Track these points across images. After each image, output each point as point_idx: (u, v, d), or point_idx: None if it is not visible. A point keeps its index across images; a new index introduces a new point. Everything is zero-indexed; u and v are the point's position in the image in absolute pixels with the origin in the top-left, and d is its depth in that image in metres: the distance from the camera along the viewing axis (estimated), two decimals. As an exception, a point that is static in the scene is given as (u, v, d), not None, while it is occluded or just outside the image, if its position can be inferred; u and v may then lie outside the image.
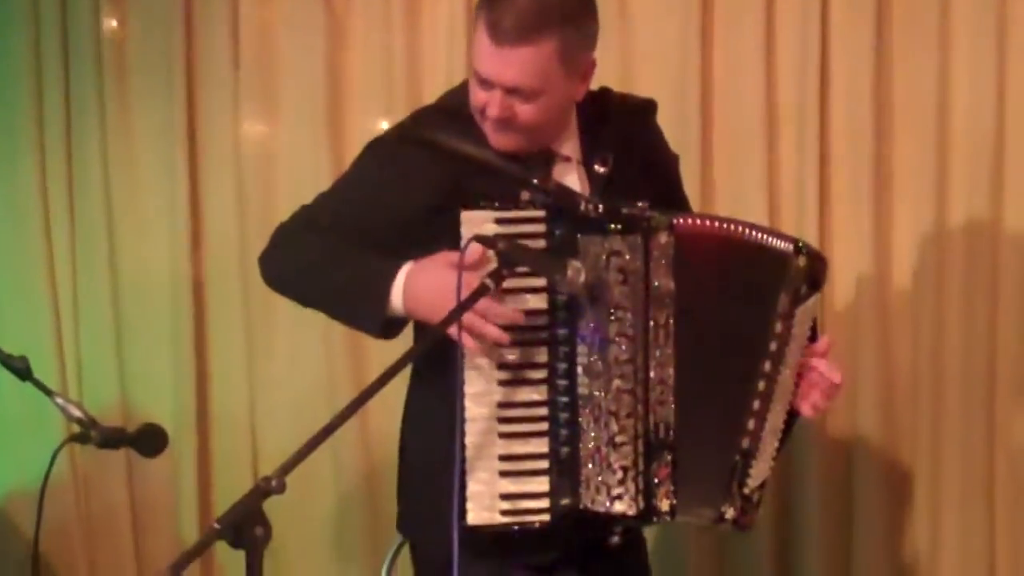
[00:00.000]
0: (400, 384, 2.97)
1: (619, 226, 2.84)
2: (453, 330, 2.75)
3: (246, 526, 2.37)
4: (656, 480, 2.88)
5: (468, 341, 2.79)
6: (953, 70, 4.07)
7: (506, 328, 2.80)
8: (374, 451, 4.43)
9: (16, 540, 4.55)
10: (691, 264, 2.87)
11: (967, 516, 4.12)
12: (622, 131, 3.11)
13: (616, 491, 2.87)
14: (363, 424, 4.38)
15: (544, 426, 2.88)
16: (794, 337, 2.90)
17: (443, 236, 2.85)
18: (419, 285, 2.85)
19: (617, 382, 2.86)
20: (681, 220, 2.89)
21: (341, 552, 4.52)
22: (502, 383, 2.87)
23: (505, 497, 2.87)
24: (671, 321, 2.86)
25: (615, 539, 2.98)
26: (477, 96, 2.94)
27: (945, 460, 4.11)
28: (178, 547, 4.54)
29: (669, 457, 2.88)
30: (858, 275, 4.12)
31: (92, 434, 3.12)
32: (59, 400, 3.18)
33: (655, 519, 2.91)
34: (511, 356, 2.86)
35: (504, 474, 2.87)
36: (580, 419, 2.87)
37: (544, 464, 2.88)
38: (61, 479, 4.50)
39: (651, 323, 2.86)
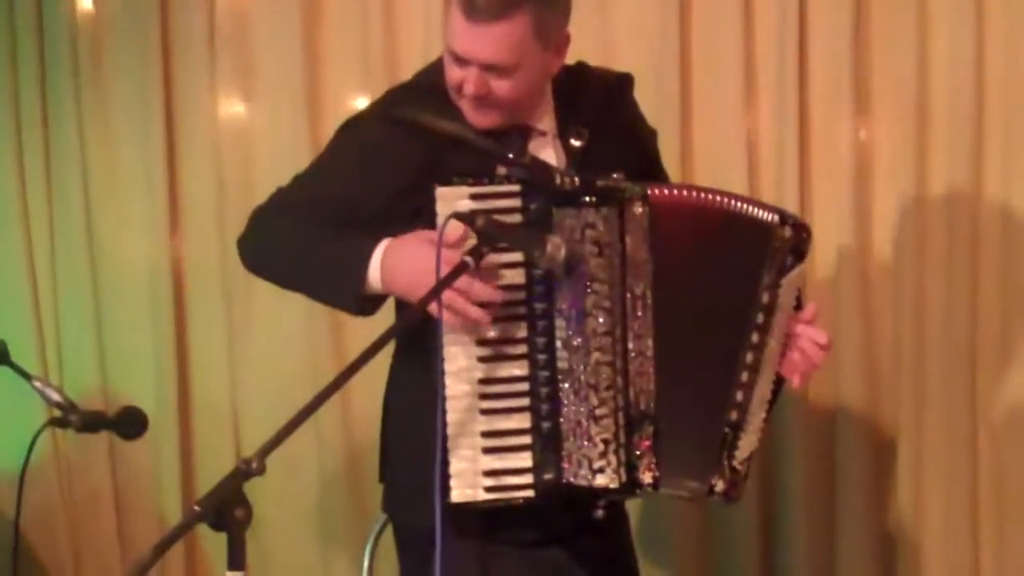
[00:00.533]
0: (382, 364, 2.97)
1: (593, 198, 2.84)
2: (433, 307, 2.74)
3: (227, 508, 2.35)
4: (638, 452, 2.88)
5: (448, 318, 2.78)
6: (932, 40, 4.06)
7: (486, 305, 2.79)
8: (357, 431, 4.43)
9: (-4, 525, 4.55)
10: (667, 234, 2.87)
11: (950, 485, 4.12)
12: (598, 105, 3.11)
13: (598, 464, 2.87)
14: (345, 404, 4.38)
15: (525, 401, 2.87)
16: (780, 307, 2.89)
17: (421, 214, 2.85)
18: (397, 261, 2.84)
19: (596, 355, 2.85)
20: (656, 191, 2.89)
21: (324, 532, 4.52)
22: (482, 359, 2.86)
23: (488, 474, 2.86)
24: (648, 292, 2.86)
25: (599, 513, 2.96)
26: (453, 74, 2.93)
27: (927, 429, 4.11)
28: (161, 529, 4.54)
29: (651, 429, 2.88)
30: (839, 246, 4.11)
31: (72, 418, 3.12)
32: (37, 384, 3.17)
33: (638, 491, 2.91)
34: (490, 332, 2.85)
35: (487, 451, 2.86)
36: (560, 393, 2.86)
37: (527, 439, 2.87)
38: (43, 463, 4.49)
39: (628, 295, 2.86)
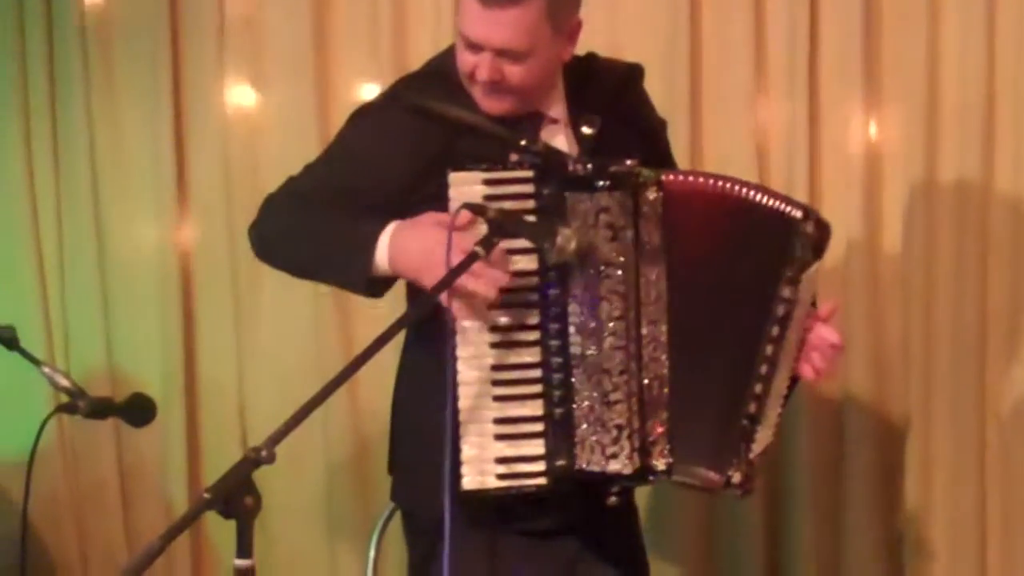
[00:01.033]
0: (389, 355, 2.96)
1: (607, 183, 2.84)
2: (444, 297, 2.73)
3: (236, 496, 2.35)
4: (651, 438, 2.88)
5: (458, 309, 2.78)
6: (943, 32, 4.06)
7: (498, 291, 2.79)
8: (363, 421, 4.43)
9: (4, 510, 4.54)
10: (681, 220, 2.86)
11: (957, 478, 4.11)
12: (609, 95, 3.11)
13: (611, 450, 2.86)
14: (352, 393, 4.37)
15: (538, 388, 2.87)
16: (799, 302, 2.89)
17: (432, 201, 2.84)
18: (405, 243, 2.83)
19: (609, 339, 2.85)
20: (670, 176, 2.89)
21: (330, 522, 4.51)
22: (494, 345, 2.85)
23: (500, 461, 2.85)
24: (662, 278, 2.86)
25: (613, 499, 2.95)
26: (465, 60, 2.93)
27: (936, 422, 4.11)
28: (167, 516, 4.55)
29: (664, 415, 2.88)
30: (848, 239, 4.10)
31: (80, 404, 3.11)
32: (46, 370, 3.16)
33: (651, 478, 2.91)
34: (503, 318, 2.85)
35: (499, 437, 2.85)
36: (573, 379, 2.86)
37: (539, 427, 2.87)
38: (49, 449, 4.48)
39: (642, 279, 2.86)
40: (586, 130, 3.01)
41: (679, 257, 2.87)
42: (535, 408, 2.87)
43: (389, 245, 2.84)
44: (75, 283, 4.59)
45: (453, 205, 2.78)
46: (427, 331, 2.93)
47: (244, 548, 2.38)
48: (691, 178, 2.94)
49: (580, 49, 3.06)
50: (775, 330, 2.87)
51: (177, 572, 4.59)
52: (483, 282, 2.74)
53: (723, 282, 2.88)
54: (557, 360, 2.86)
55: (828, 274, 4.08)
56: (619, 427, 2.86)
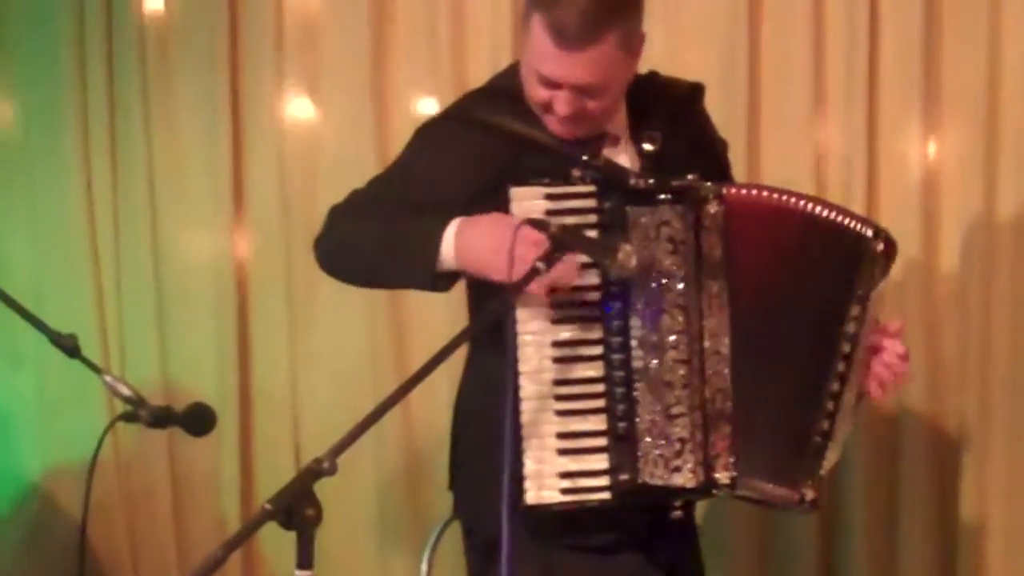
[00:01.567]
0: (441, 367, 2.95)
1: (669, 196, 2.85)
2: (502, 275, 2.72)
3: (297, 507, 2.36)
4: (714, 452, 2.88)
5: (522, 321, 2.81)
6: (1003, 53, 4.04)
7: (560, 304, 2.81)
8: (416, 433, 4.43)
9: (60, 518, 4.57)
10: (743, 234, 2.87)
11: (1013, 495, 4.10)
12: (670, 112, 3.11)
13: (674, 463, 2.87)
14: (405, 406, 4.37)
15: (601, 402, 2.87)
16: (868, 320, 2.88)
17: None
18: (471, 237, 2.83)
19: (672, 353, 2.86)
20: (731, 190, 2.90)
21: (383, 535, 4.51)
22: (556, 360, 2.86)
23: (563, 475, 2.85)
24: (724, 291, 2.86)
25: (677, 513, 2.97)
26: (539, 94, 2.92)
27: (992, 440, 4.09)
28: (219, 525, 4.56)
29: (728, 428, 2.88)
30: (906, 258, 4.07)
31: (141, 413, 3.10)
32: (108, 378, 3.16)
33: (715, 491, 2.91)
34: (565, 333, 2.85)
35: (562, 452, 2.86)
36: (636, 392, 2.86)
37: (602, 441, 2.87)
38: (103, 457, 4.46)
39: (703, 293, 2.87)
40: (647, 147, 3.03)
41: (741, 270, 2.87)
42: (598, 422, 2.87)
43: (455, 239, 2.84)
44: (131, 292, 4.61)
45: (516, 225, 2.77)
46: (490, 346, 2.92)
47: (305, 559, 2.39)
48: (753, 192, 2.94)
49: (639, 67, 3.05)
50: (846, 347, 2.86)
51: (229, 583, 4.61)
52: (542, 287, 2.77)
53: (787, 296, 2.88)
54: (619, 374, 2.87)
55: (885, 295, 4.07)
56: (682, 440, 2.86)
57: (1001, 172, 4.05)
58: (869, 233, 2.88)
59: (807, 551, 4.22)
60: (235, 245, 4.56)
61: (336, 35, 4.45)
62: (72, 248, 4.61)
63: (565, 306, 2.83)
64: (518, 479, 2.82)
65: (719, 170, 3.22)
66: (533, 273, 2.70)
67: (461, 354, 3.08)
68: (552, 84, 2.88)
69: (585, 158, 2.90)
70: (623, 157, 3.04)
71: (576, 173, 2.87)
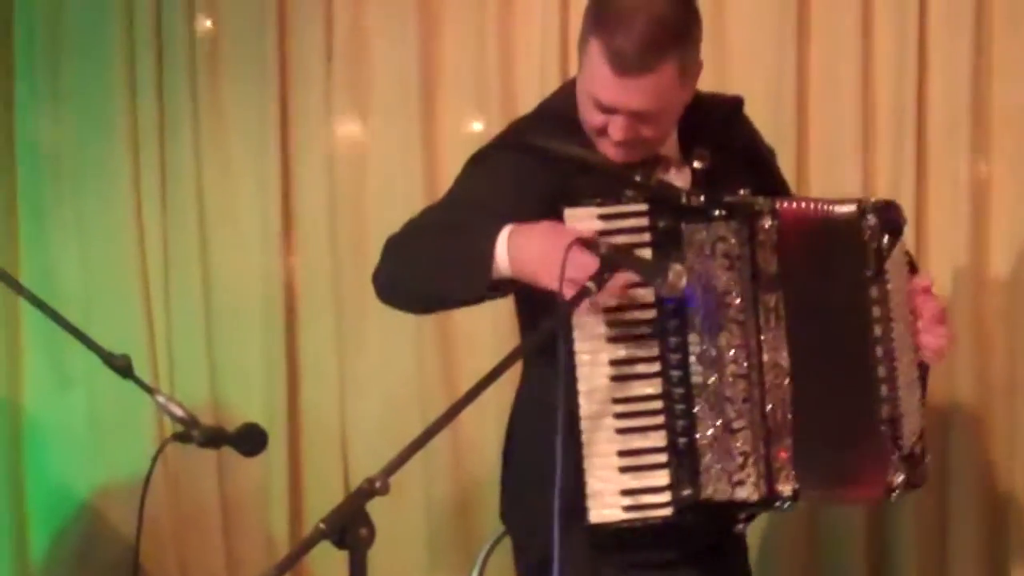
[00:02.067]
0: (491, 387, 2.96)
1: (723, 212, 2.86)
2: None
3: (351, 526, 2.38)
4: (777, 464, 2.89)
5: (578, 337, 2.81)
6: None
7: (615, 323, 2.83)
8: (464, 451, 4.42)
9: (111, 537, 4.58)
10: (792, 246, 2.89)
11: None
12: (717, 129, 3.11)
13: (737, 477, 2.87)
14: (453, 425, 4.36)
15: (660, 419, 2.87)
16: (892, 292, 2.92)
17: None
18: (525, 243, 2.81)
19: (731, 367, 2.87)
20: (784, 204, 2.92)
21: (432, 554, 4.50)
22: (614, 378, 2.86)
23: (625, 493, 2.86)
24: (780, 304, 2.88)
25: (740, 527, 2.99)
26: (594, 119, 2.93)
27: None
28: (268, 545, 4.57)
29: (789, 440, 2.89)
30: (954, 273, 4.09)
31: (194, 433, 3.12)
32: (160, 399, 3.17)
33: (778, 504, 2.91)
34: (623, 351, 2.86)
35: (623, 470, 2.86)
36: (696, 408, 2.87)
37: (663, 457, 2.87)
38: (153, 476, 4.51)
39: (760, 307, 2.88)
40: (698, 164, 3.04)
41: (794, 283, 2.89)
42: (658, 439, 2.88)
43: (508, 242, 2.82)
44: (180, 312, 4.62)
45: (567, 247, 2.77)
46: (548, 362, 2.91)
47: (358, 578, 2.39)
48: (802, 204, 2.97)
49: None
50: (877, 330, 2.91)
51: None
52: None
53: (825, 300, 2.92)
54: (679, 391, 2.87)
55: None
56: (744, 454, 2.87)
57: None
58: (854, 211, 2.92)
59: (854, 562, 4.19)
60: (284, 265, 4.56)
61: (385, 54, 4.45)
62: (121, 267, 4.63)
63: (621, 324, 2.84)
64: (575, 497, 2.82)
65: (771, 180, 3.24)
66: (584, 293, 2.70)
67: (507, 373, 3.09)
68: (608, 109, 2.89)
69: (637, 178, 2.91)
70: (673, 175, 3.04)
71: (629, 193, 2.87)
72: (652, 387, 2.88)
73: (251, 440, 3.22)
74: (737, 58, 4.22)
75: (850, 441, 2.92)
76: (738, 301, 2.87)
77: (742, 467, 2.87)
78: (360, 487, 2.39)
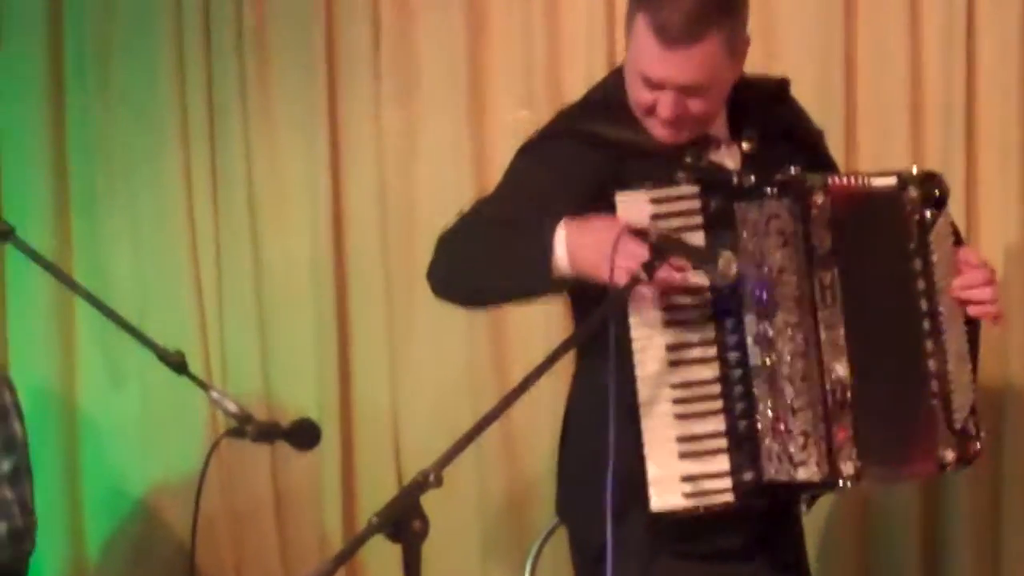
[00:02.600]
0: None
1: (775, 190, 2.85)
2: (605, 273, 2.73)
3: (405, 520, 2.39)
4: (838, 443, 2.86)
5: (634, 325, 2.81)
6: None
7: (670, 308, 2.83)
8: (516, 442, 4.41)
9: (166, 534, 4.60)
10: (846, 222, 2.88)
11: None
12: (764, 110, 3.12)
13: (799, 457, 2.85)
14: (505, 415, 4.34)
15: (719, 403, 2.88)
16: (937, 264, 2.93)
17: None
18: (581, 238, 2.82)
19: (789, 347, 2.85)
20: (835, 180, 2.92)
21: (484, 546, 4.49)
22: (671, 364, 2.86)
23: (686, 479, 2.86)
24: (836, 281, 2.87)
25: (804, 508, 3.00)
26: (642, 97, 2.93)
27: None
28: (322, 538, 4.57)
29: (849, 418, 2.87)
30: (1006, 249, 4.05)
31: (248, 428, 3.12)
32: (215, 394, 3.17)
33: (840, 483, 2.88)
34: (678, 336, 2.85)
35: (683, 456, 2.85)
36: (754, 390, 2.87)
37: (723, 442, 2.87)
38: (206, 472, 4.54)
39: (816, 284, 2.86)
40: (746, 146, 3.05)
41: (848, 259, 2.88)
42: (717, 423, 2.88)
43: (566, 239, 2.83)
44: (232, 307, 4.63)
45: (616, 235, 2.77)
46: (604, 350, 2.91)
47: (412, 572, 2.40)
48: (853, 180, 2.98)
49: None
50: (923, 304, 2.92)
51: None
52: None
53: (873, 275, 2.91)
54: (737, 373, 2.87)
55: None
56: (804, 434, 2.85)
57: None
58: (895, 183, 2.93)
59: (908, 556, 4.17)
60: (335, 257, 4.55)
61: (432, 46, 4.45)
62: (173, 262, 4.65)
63: (675, 309, 2.84)
64: (635, 486, 2.82)
65: (819, 161, 3.21)
66: (634, 282, 2.70)
67: (560, 364, 3.08)
68: (656, 85, 2.89)
69: (688, 160, 2.91)
70: (723, 156, 3.05)
71: (680, 175, 2.87)
72: (710, 371, 2.87)
73: (304, 434, 3.22)
74: (784, 35, 4.20)
75: (903, 417, 2.92)
76: (794, 279, 2.85)
77: (803, 447, 2.85)
78: (414, 480, 2.41)
